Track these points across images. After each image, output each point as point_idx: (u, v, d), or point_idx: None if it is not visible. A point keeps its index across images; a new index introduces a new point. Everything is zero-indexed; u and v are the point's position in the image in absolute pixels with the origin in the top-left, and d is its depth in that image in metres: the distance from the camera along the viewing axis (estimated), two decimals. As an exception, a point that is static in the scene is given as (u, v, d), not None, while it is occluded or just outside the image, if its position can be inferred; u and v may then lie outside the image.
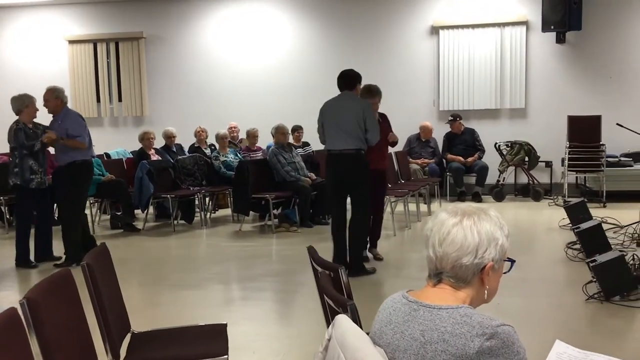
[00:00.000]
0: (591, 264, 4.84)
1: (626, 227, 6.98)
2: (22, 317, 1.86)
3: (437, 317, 1.56)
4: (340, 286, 2.36)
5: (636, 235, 6.66)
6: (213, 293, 5.57)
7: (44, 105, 6.57)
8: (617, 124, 7.90)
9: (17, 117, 6.49)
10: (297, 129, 9.76)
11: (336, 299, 2.05)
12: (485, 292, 1.66)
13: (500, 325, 1.52)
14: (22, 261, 6.52)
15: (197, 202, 9.11)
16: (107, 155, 9.90)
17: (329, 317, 2.25)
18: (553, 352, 1.83)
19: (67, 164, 6.46)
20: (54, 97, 6.53)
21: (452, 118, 10.55)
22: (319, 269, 2.47)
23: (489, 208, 1.70)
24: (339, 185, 5.83)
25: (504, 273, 1.71)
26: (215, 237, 8.17)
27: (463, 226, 1.63)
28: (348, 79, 5.94)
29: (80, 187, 6.64)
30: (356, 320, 1.85)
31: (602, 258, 4.86)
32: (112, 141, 11.20)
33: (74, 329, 2.26)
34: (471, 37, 10.87)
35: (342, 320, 1.68)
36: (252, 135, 9.74)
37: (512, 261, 1.71)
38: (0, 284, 6.04)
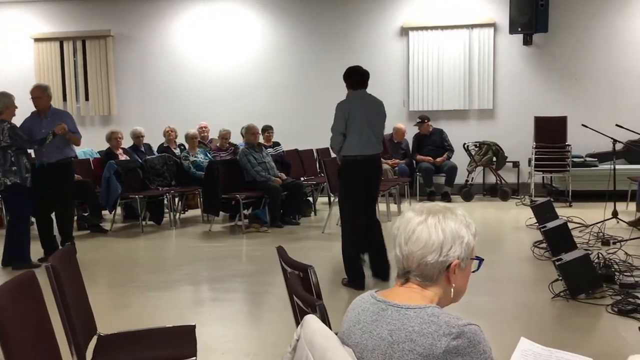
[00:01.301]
0: (557, 263, 4.92)
1: (591, 226, 7.11)
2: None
3: (405, 316, 1.57)
4: (309, 286, 2.35)
5: (601, 234, 6.79)
6: (182, 294, 5.53)
7: (36, 102, 6.57)
8: (583, 124, 8.03)
9: None
10: (267, 129, 9.74)
11: (305, 299, 2.05)
12: (452, 290, 1.67)
13: (467, 324, 1.53)
14: (20, 261, 6.27)
15: (166, 202, 9.02)
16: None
17: (298, 317, 2.24)
18: (518, 350, 1.84)
19: (58, 160, 6.55)
20: (47, 94, 6.59)
21: (420, 120, 10.62)
22: (288, 269, 2.46)
23: (456, 207, 1.72)
24: (366, 191, 5.50)
25: (473, 272, 1.73)
26: (184, 238, 8.11)
27: (427, 224, 1.64)
28: (366, 77, 5.50)
29: (72, 183, 6.99)
30: (325, 320, 1.85)
31: (568, 257, 4.94)
32: (79, 141, 11.00)
33: (39, 331, 2.22)
34: (440, 39, 10.97)
35: (311, 320, 1.67)
36: (223, 137, 9.69)
37: (481, 260, 1.72)
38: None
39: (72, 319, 2.45)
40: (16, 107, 6.45)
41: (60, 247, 6.54)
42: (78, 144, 6.88)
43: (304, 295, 2.08)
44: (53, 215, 6.88)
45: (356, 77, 5.49)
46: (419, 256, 1.64)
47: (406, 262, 1.66)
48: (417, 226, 1.65)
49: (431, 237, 1.63)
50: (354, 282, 5.42)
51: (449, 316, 1.55)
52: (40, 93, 6.56)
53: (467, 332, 1.51)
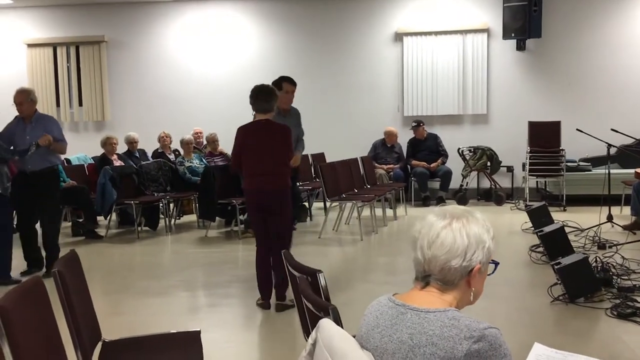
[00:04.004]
0: (556, 267, 4.93)
1: (587, 230, 7.14)
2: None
3: (425, 320, 1.57)
4: (318, 290, 2.35)
5: (597, 238, 6.82)
6: (179, 300, 5.50)
7: (18, 109, 6.22)
8: (577, 129, 8.07)
9: None
10: (262, 135, 9.71)
11: (317, 303, 2.04)
12: (472, 293, 1.68)
13: (488, 327, 1.53)
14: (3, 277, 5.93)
15: (161, 208, 8.98)
16: (68, 160, 9.69)
17: (308, 321, 2.24)
18: (532, 354, 1.86)
19: (43, 169, 6.20)
20: (29, 99, 6.25)
21: (415, 124, 10.65)
22: (297, 273, 2.45)
23: (474, 210, 1.72)
24: None
25: (489, 275, 1.73)
26: (180, 244, 8.07)
27: (452, 229, 1.64)
28: None
29: (59, 191, 6.72)
30: (338, 323, 1.85)
31: (566, 261, 4.95)
32: (72, 146, 10.78)
33: (46, 337, 2.20)
34: (434, 44, 11.01)
35: (327, 324, 1.67)
36: (211, 140, 9.68)
37: (496, 263, 1.73)
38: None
39: (78, 324, 2.43)
40: None
41: (44, 259, 6.37)
42: (63, 153, 6.59)
43: (316, 299, 2.07)
44: (37, 226, 6.51)
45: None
46: (442, 261, 1.63)
47: (428, 266, 1.65)
48: (442, 230, 1.64)
49: (456, 241, 1.63)
50: None
51: (469, 319, 1.55)
52: (22, 98, 6.17)
53: (488, 335, 1.52)
